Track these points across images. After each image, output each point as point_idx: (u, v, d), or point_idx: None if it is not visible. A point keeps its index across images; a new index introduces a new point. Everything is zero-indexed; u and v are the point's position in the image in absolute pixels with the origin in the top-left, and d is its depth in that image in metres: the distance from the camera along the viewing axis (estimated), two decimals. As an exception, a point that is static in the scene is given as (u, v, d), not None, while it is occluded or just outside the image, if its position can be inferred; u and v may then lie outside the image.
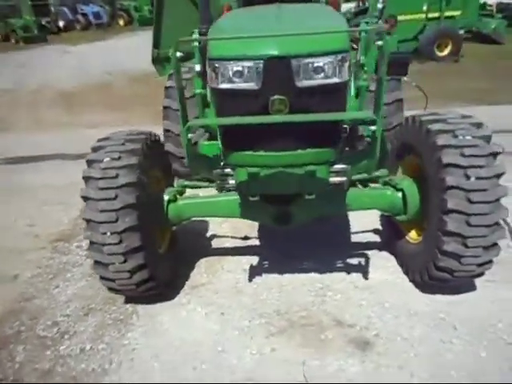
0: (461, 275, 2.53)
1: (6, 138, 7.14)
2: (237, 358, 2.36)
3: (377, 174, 2.99)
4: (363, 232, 3.60)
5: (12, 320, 2.78)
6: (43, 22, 22.18)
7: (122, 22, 25.38)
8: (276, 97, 2.02)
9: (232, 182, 2.36)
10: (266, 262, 3.26)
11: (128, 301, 2.88)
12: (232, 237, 3.66)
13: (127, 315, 2.76)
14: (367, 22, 3.19)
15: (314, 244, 3.40)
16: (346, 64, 2.06)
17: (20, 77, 12.04)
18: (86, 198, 2.43)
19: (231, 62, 2.00)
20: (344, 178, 2.30)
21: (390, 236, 3.24)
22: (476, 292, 2.78)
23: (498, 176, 2.35)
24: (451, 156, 2.36)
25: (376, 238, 3.50)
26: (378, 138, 2.06)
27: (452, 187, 2.34)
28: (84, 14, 24.72)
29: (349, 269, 3.10)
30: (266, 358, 2.36)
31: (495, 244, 2.42)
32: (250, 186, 2.32)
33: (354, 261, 3.20)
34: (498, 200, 2.33)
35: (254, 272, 3.12)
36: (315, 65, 1.98)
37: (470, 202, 2.31)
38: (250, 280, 3.04)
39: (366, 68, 2.88)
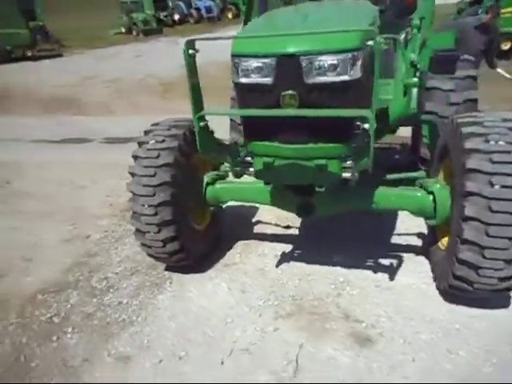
0: (481, 287, 2.41)
1: (106, 121, 8.18)
2: (241, 331, 2.57)
3: (414, 175, 2.94)
4: (406, 234, 3.52)
5: (75, 270, 3.35)
6: (161, 16, 24.43)
7: (230, 15, 26.71)
8: (287, 92, 2.16)
9: (251, 169, 2.55)
10: (298, 251, 3.40)
11: (167, 269, 3.26)
12: (275, 224, 3.85)
13: (163, 280, 3.14)
14: (421, 19, 3.08)
15: (351, 241, 3.44)
16: (358, 62, 2.10)
17: (132, 66, 13.45)
18: (132, 174, 2.83)
19: (248, 59, 2.19)
20: (356, 174, 2.34)
21: (429, 241, 3.14)
22: (503, 309, 2.60)
23: None
24: (476, 161, 2.26)
25: (417, 242, 3.41)
26: (372, 136, 2.07)
27: (472, 193, 2.25)
28: (197, 8, 26.55)
29: (377, 268, 3.09)
30: (267, 336, 2.53)
31: None
32: (265, 175, 2.49)
33: (385, 261, 3.17)
34: None
35: (283, 259, 3.29)
36: (323, 63, 2.07)
37: (491, 210, 2.19)
38: (277, 266, 3.21)
39: (418, 66, 2.84)
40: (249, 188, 3.09)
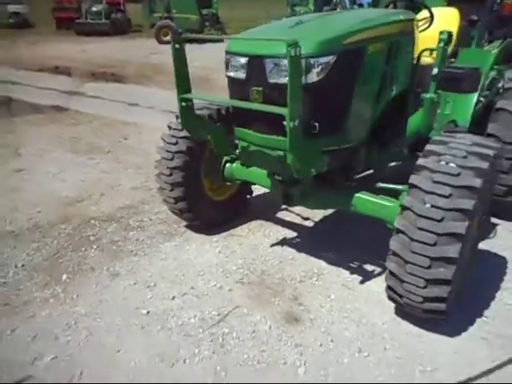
0: (408, 303, 2.44)
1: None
2: (204, 283, 3.09)
3: (399, 187, 2.97)
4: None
5: (125, 210, 4.23)
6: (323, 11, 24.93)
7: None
8: (254, 88, 2.53)
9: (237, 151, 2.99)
10: (299, 240, 3.69)
11: (186, 226, 3.90)
12: (297, 214, 4.15)
13: (177, 233, 3.80)
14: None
15: (365, 242, 3.53)
16: (315, 68, 2.35)
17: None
18: (163, 140, 3.52)
19: (233, 56, 2.63)
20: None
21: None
22: (445, 336, 2.54)
23: (462, 211, 2.16)
24: (418, 178, 2.33)
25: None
26: (289, 133, 2.28)
27: (406, 208, 2.31)
28: (360, 5, 26.22)
29: (358, 271, 3.21)
30: (219, 292, 2.99)
31: (444, 281, 2.23)
32: (242, 157, 2.91)
33: (371, 267, 3.25)
34: (449, 235, 2.16)
35: (280, 242, 3.63)
36: (282, 66, 2.39)
37: (417, 227, 2.24)
38: (271, 246, 3.57)
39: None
40: (255, 171, 3.50)
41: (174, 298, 2.93)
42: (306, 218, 4.08)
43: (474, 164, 2.25)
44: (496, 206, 3.69)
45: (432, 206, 2.21)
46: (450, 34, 2.98)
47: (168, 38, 17.86)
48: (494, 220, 3.86)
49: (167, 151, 3.43)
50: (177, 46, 2.61)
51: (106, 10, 21.83)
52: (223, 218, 3.90)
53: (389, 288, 2.51)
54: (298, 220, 4.07)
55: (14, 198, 4.49)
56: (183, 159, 3.38)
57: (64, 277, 3.17)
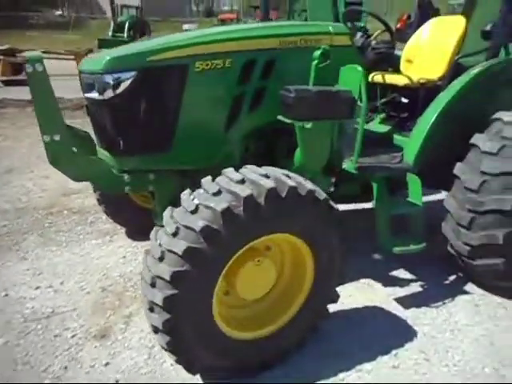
0: None
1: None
2: (74, 284, 3.25)
3: None
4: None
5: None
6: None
7: None
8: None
9: None
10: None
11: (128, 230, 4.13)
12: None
13: (110, 234, 4.04)
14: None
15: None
16: (111, 85, 2.31)
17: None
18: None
19: None
20: None
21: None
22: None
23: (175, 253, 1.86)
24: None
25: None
26: (45, 148, 2.24)
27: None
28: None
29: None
30: (77, 292, 3.13)
31: None
32: None
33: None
34: None
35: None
36: (86, 81, 2.42)
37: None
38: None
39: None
40: None
41: (37, 288, 3.20)
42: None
43: (212, 204, 1.88)
44: (464, 271, 3.19)
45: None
46: (325, 50, 2.50)
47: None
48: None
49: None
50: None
51: None
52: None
53: None
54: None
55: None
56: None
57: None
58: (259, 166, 2.27)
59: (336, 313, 2.80)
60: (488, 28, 3.25)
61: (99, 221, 4.32)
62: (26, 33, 30.70)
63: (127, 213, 3.80)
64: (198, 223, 1.84)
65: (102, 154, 2.60)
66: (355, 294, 3.15)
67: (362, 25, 3.98)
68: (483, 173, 2.77)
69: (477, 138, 2.91)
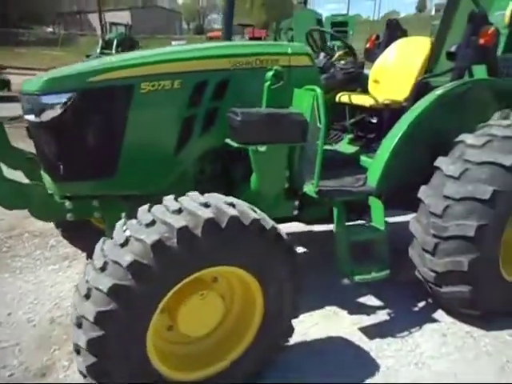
0: None
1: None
2: (23, 315, 3.06)
3: None
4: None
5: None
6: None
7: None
8: (29, 124, 2.48)
9: None
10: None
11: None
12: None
13: (69, 259, 3.86)
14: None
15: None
16: (48, 106, 2.18)
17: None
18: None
19: None
20: None
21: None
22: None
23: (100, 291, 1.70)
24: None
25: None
26: None
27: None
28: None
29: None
30: (22, 325, 2.93)
31: None
32: None
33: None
34: None
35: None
36: (25, 102, 2.29)
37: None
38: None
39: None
40: None
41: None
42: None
43: (143, 236, 1.74)
44: (433, 297, 3.09)
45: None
46: (277, 72, 2.40)
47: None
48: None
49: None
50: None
51: None
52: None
53: None
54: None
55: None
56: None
57: None
58: (216, 188, 2.15)
59: (299, 343, 2.67)
60: (453, 49, 3.20)
61: (60, 244, 4.13)
62: (15, 49, 30.74)
63: (86, 236, 3.62)
64: (126, 258, 1.70)
65: (45, 178, 2.46)
66: (320, 322, 3.01)
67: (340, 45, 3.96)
68: (446, 197, 2.67)
69: (440, 161, 2.82)
